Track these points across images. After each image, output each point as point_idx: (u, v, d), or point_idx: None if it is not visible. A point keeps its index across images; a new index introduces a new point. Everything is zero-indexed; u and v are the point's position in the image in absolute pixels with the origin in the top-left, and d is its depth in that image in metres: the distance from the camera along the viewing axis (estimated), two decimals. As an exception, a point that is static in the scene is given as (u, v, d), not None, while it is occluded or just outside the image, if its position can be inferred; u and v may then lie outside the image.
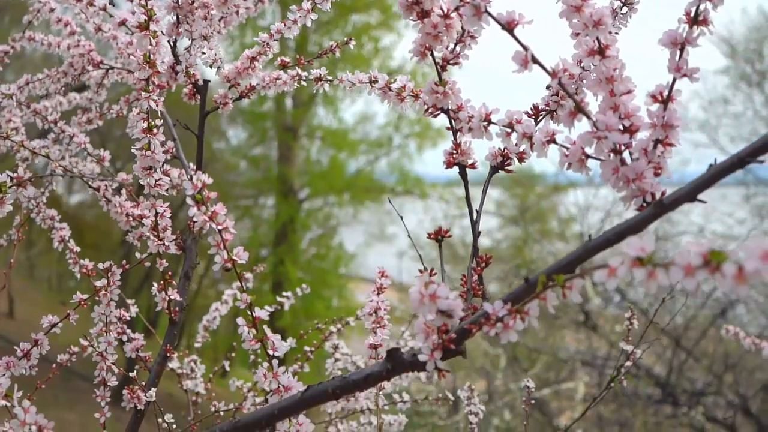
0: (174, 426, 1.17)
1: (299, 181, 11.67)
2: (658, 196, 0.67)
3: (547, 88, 0.85)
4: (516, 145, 0.84)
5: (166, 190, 1.07)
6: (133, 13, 1.07)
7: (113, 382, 1.14)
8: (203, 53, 1.21)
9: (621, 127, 0.70)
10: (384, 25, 11.09)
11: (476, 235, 0.84)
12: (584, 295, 7.07)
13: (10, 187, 0.87)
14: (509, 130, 0.82)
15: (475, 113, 0.84)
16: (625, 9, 0.91)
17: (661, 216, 0.63)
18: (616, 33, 0.89)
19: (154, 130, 0.99)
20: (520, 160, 0.86)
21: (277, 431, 0.77)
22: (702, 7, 0.68)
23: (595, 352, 7.29)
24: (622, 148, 0.69)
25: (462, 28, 0.80)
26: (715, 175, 0.62)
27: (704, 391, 6.36)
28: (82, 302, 1.12)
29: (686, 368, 6.64)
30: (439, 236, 0.87)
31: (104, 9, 1.38)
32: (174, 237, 1.12)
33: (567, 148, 0.74)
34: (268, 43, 1.23)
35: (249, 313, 0.80)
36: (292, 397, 0.75)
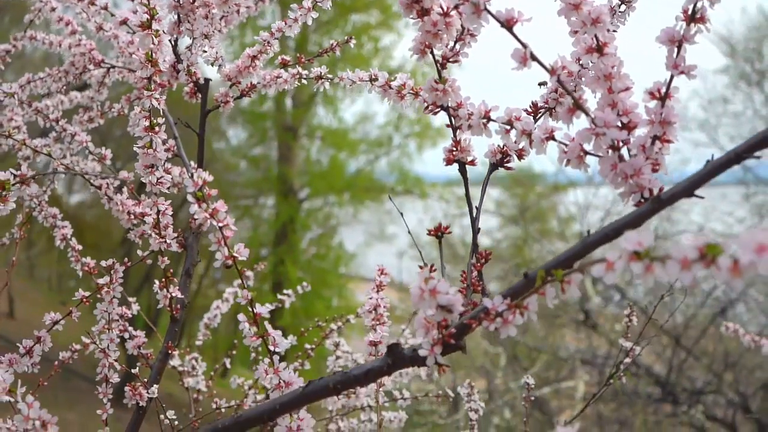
0: (176, 423, 1.18)
1: (299, 181, 11.67)
2: (656, 191, 0.68)
3: (540, 85, 0.86)
4: (515, 142, 0.84)
5: (168, 189, 1.07)
6: (135, 12, 1.08)
7: (115, 379, 1.14)
8: (204, 52, 1.21)
9: (619, 124, 0.70)
10: (384, 25, 11.09)
11: (476, 231, 0.85)
12: (584, 294, 7.07)
13: (13, 184, 0.88)
14: (508, 127, 0.83)
15: (475, 110, 0.84)
16: (623, 7, 0.91)
17: (659, 211, 0.63)
18: (615, 31, 0.90)
19: (156, 129, 1.00)
20: (519, 157, 0.87)
21: (278, 426, 0.78)
22: (699, 4, 0.69)
23: (595, 350, 7.30)
24: (621, 144, 0.70)
25: (462, 26, 0.81)
26: (712, 171, 0.62)
27: (704, 389, 6.36)
28: (84, 300, 1.12)
29: (686, 367, 6.65)
30: (439, 233, 0.88)
31: (105, 8, 1.39)
32: (175, 235, 1.13)
33: (566, 145, 0.75)
34: (268, 42, 1.24)
35: (250, 309, 0.81)
36: (294, 392, 0.76)
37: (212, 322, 1.83)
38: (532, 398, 1.44)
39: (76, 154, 1.55)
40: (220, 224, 0.75)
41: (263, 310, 0.80)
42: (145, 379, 1.16)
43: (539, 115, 0.87)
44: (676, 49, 0.69)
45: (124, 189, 1.27)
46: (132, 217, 1.21)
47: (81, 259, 1.27)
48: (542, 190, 11.17)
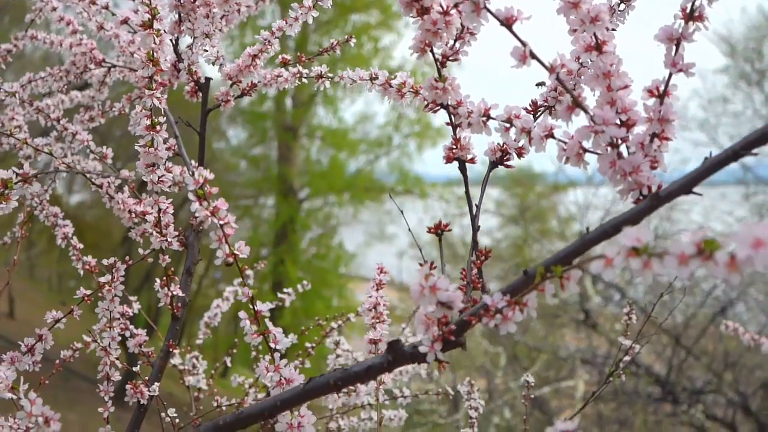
0: (177, 420, 1.18)
1: (299, 181, 11.68)
2: (654, 188, 0.69)
3: (538, 86, 0.86)
4: (515, 140, 0.85)
5: (169, 187, 1.08)
6: (136, 11, 1.08)
7: (116, 377, 1.15)
8: (205, 51, 1.22)
9: (618, 122, 0.71)
10: (384, 25, 11.10)
11: (476, 229, 0.86)
12: (584, 294, 7.08)
13: (16, 183, 0.89)
14: (508, 125, 0.83)
15: (475, 109, 0.85)
16: (622, 6, 0.92)
17: (658, 208, 0.64)
18: (614, 30, 0.90)
19: (157, 127, 1.01)
20: (519, 155, 0.87)
21: (279, 423, 0.78)
22: (698, 3, 0.69)
23: (595, 350, 7.31)
24: (619, 141, 0.70)
25: (461, 24, 0.81)
26: (710, 168, 0.63)
27: (704, 389, 6.37)
28: (86, 298, 1.13)
29: (686, 366, 6.65)
30: (438, 230, 0.88)
31: (106, 7, 1.39)
32: (176, 233, 1.13)
33: (565, 143, 0.75)
34: (269, 41, 1.24)
35: (251, 307, 0.81)
36: (295, 388, 0.76)
37: (212, 320, 1.83)
38: (532, 396, 1.45)
39: (77, 153, 1.55)
40: (221, 222, 0.75)
41: (264, 307, 0.81)
42: (146, 378, 1.16)
43: (539, 113, 0.87)
44: (674, 47, 0.70)
45: (125, 188, 1.28)
46: (133, 215, 1.22)
47: (82, 258, 1.28)
48: (542, 189, 11.18)
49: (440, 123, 11.78)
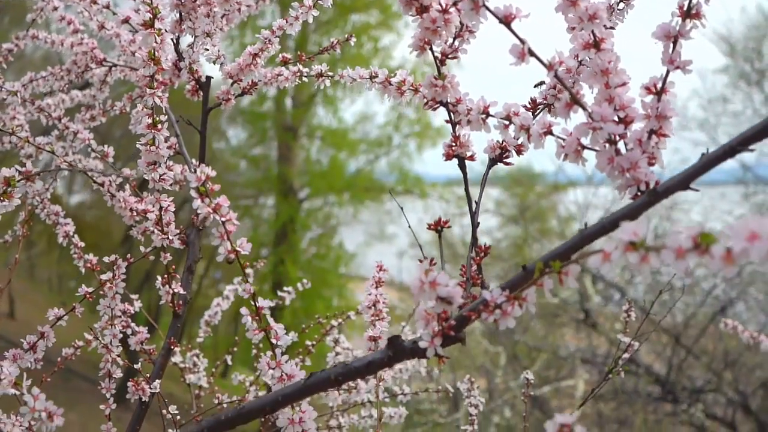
0: (178, 418, 1.19)
1: (299, 181, 11.68)
2: (652, 184, 0.69)
3: (536, 86, 0.87)
4: (514, 137, 0.85)
5: (170, 185, 1.08)
6: (136, 11, 1.09)
7: (118, 374, 1.15)
8: (206, 50, 1.23)
9: (616, 119, 0.72)
10: (383, 25, 11.11)
11: (475, 226, 0.86)
12: (584, 294, 7.09)
13: (18, 181, 0.89)
14: (507, 123, 0.84)
15: (474, 106, 0.86)
16: (621, 5, 0.92)
17: (655, 204, 0.64)
18: (612, 28, 0.91)
19: (159, 126, 1.01)
20: (518, 152, 0.88)
21: (280, 418, 0.79)
22: (695, 0, 0.70)
23: (595, 349, 7.32)
24: (617, 138, 0.71)
25: (460, 22, 0.82)
26: (707, 164, 0.63)
27: (704, 388, 6.38)
28: (88, 295, 1.13)
29: (686, 366, 6.66)
30: (438, 227, 0.89)
31: (107, 7, 1.40)
32: (177, 231, 1.14)
33: (563, 140, 0.76)
34: (269, 40, 1.25)
35: (252, 303, 0.82)
36: (296, 384, 0.77)
37: (213, 319, 1.84)
38: (531, 394, 1.45)
39: (78, 152, 1.56)
40: (223, 219, 0.76)
41: (266, 303, 0.81)
42: (148, 375, 1.17)
43: (538, 111, 0.88)
44: (671, 45, 0.70)
45: (127, 186, 1.28)
46: (134, 214, 1.22)
47: (83, 256, 1.28)
48: (542, 189, 11.20)
49: (440, 123, 11.80)
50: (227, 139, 11.76)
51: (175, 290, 1.17)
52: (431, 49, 0.84)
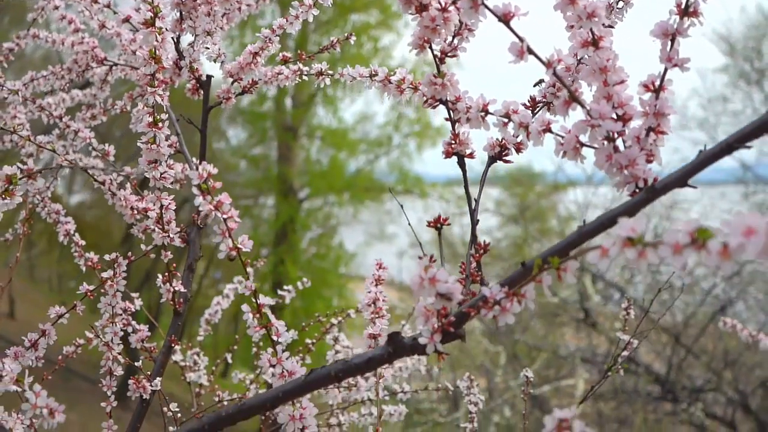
0: (179, 415, 1.19)
1: (299, 180, 11.68)
2: (650, 181, 0.70)
3: (536, 85, 0.87)
4: (513, 135, 0.86)
5: (171, 184, 1.09)
6: (137, 10, 1.10)
7: (119, 372, 1.16)
8: (207, 48, 1.23)
9: (614, 116, 0.72)
10: (383, 25, 11.11)
11: (474, 223, 0.87)
12: (584, 293, 7.09)
13: (20, 178, 0.90)
14: (506, 121, 0.84)
15: (473, 104, 0.86)
16: (620, 3, 0.93)
17: (653, 200, 0.65)
18: (611, 27, 0.91)
19: (160, 124, 1.02)
20: (518, 150, 0.88)
21: (281, 414, 0.79)
22: (692, -2, 0.70)
23: (595, 349, 7.32)
24: (615, 135, 0.71)
25: (459, 21, 0.82)
26: (704, 161, 0.64)
27: (704, 387, 6.38)
28: (89, 293, 1.14)
29: (686, 365, 6.67)
30: (438, 224, 0.89)
31: (108, 6, 1.40)
32: (178, 229, 1.14)
33: (562, 137, 0.76)
34: (270, 38, 1.25)
35: (254, 300, 0.82)
36: (296, 380, 0.77)
37: (213, 317, 1.84)
38: (531, 391, 1.46)
39: (78, 151, 1.57)
40: (225, 216, 0.76)
41: (267, 300, 0.82)
42: (149, 372, 1.17)
43: (537, 109, 0.88)
44: (669, 43, 0.71)
45: (127, 185, 1.29)
46: (135, 212, 1.22)
47: (84, 255, 1.29)
48: (542, 189, 11.21)
49: (440, 122, 11.81)
50: (227, 139, 11.77)
51: (176, 288, 1.18)
52: (431, 47, 0.85)
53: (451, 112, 0.88)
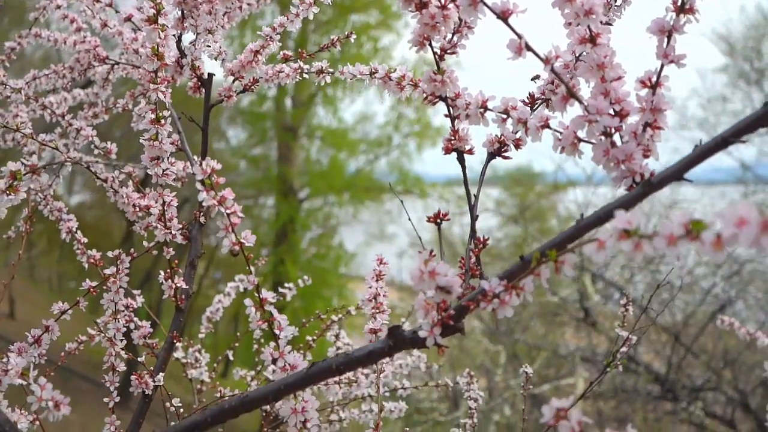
0: (181, 411, 1.20)
1: (299, 181, 11.70)
2: (646, 176, 0.71)
3: (533, 79, 0.88)
4: (512, 131, 0.87)
5: (173, 181, 1.10)
6: (139, 9, 1.11)
7: (121, 367, 1.17)
8: (208, 47, 1.24)
9: (612, 112, 0.73)
10: (383, 25, 11.13)
11: (474, 218, 0.88)
12: (584, 293, 7.10)
13: (24, 174, 0.91)
14: (505, 117, 0.85)
15: (472, 100, 0.87)
16: (618, 1, 0.94)
17: (649, 195, 0.66)
18: (609, 24, 0.92)
19: (162, 121, 1.03)
20: (517, 146, 0.89)
21: (282, 407, 0.80)
22: (689, -4, 0.71)
23: (595, 348, 7.33)
24: (613, 131, 0.72)
25: (459, 18, 0.83)
26: (700, 155, 0.65)
27: (703, 387, 6.39)
28: (92, 289, 1.15)
29: (685, 364, 6.67)
30: (438, 220, 0.90)
31: (110, 5, 1.41)
32: (180, 226, 1.15)
33: (560, 133, 0.77)
34: (270, 37, 1.26)
35: (256, 294, 0.83)
36: (298, 373, 0.78)
37: (215, 315, 1.85)
38: (531, 387, 1.46)
39: (80, 150, 1.57)
40: (228, 211, 0.77)
41: (269, 295, 0.83)
42: (151, 368, 1.18)
43: (535, 106, 0.89)
44: (666, 39, 0.72)
45: (130, 182, 1.30)
46: (137, 209, 1.23)
47: (87, 252, 1.30)
48: (542, 189, 11.22)
49: (440, 122, 11.82)
50: (227, 139, 11.78)
51: (178, 285, 1.19)
52: (430, 44, 0.86)
53: (450, 108, 0.89)
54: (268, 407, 1.58)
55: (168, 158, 1.09)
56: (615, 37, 0.79)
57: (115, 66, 1.57)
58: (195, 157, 1.34)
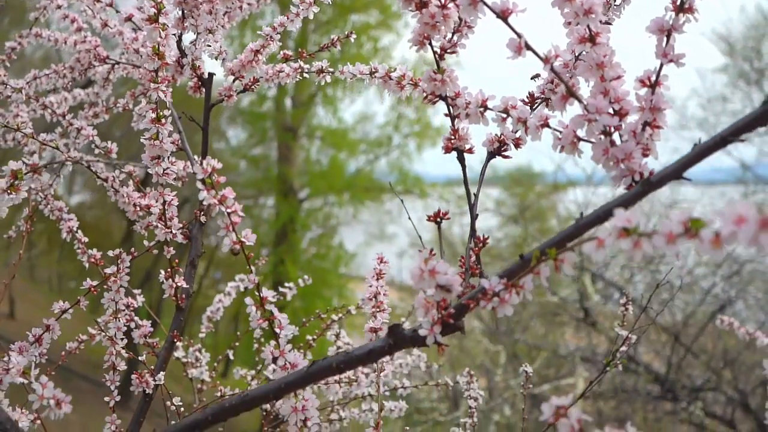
0: (182, 410, 1.20)
1: (299, 181, 11.70)
2: (646, 174, 0.71)
3: (533, 78, 0.88)
4: (512, 130, 0.87)
5: (174, 180, 1.10)
6: (139, 8, 1.11)
7: (122, 366, 1.17)
8: (209, 46, 1.24)
9: (611, 111, 0.73)
10: (383, 25, 11.13)
11: (474, 217, 0.88)
12: (583, 293, 7.10)
13: (26, 173, 0.91)
14: (505, 116, 0.85)
15: (472, 99, 0.87)
16: (618, 1, 0.94)
17: (648, 193, 0.66)
18: (609, 23, 0.92)
19: (163, 120, 1.03)
20: (516, 145, 0.90)
21: (283, 406, 0.80)
22: (687, -5, 0.71)
23: (595, 348, 7.33)
24: (612, 130, 0.73)
25: (459, 17, 0.83)
26: (699, 154, 0.65)
27: (703, 387, 6.39)
28: (93, 289, 1.15)
29: (685, 364, 6.68)
30: (438, 218, 0.91)
31: (110, 5, 1.41)
32: (180, 225, 1.16)
33: (560, 132, 0.78)
34: (271, 36, 1.26)
35: (257, 293, 0.84)
36: (299, 371, 0.78)
37: (215, 315, 1.85)
38: (531, 386, 1.47)
39: (81, 150, 1.58)
40: (229, 210, 0.77)
41: (269, 294, 0.83)
42: (151, 367, 1.18)
43: (535, 105, 0.90)
44: (665, 38, 0.72)
45: (130, 182, 1.30)
46: (138, 209, 1.24)
47: (87, 251, 1.30)
48: (542, 189, 11.22)
49: (440, 122, 11.82)
50: (227, 139, 11.78)
51: (178, 284, 1.19)
52: (430, 44, 0.86)
53: (450, 107, 0.90)
54: (268, 406, 1.58)
55: (168, 157, 1.09)
56: (614, 36, 0.79)
57: (116, 66, 1.57)
58: (195, 157, 1.34)
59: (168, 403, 1.20)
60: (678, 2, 0.71)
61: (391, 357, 1.54)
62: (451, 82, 0.86)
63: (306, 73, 1.30)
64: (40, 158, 1.47)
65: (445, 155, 0.93)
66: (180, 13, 1.19)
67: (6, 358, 0.87)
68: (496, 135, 0.90)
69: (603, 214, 0.68)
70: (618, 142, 0.73)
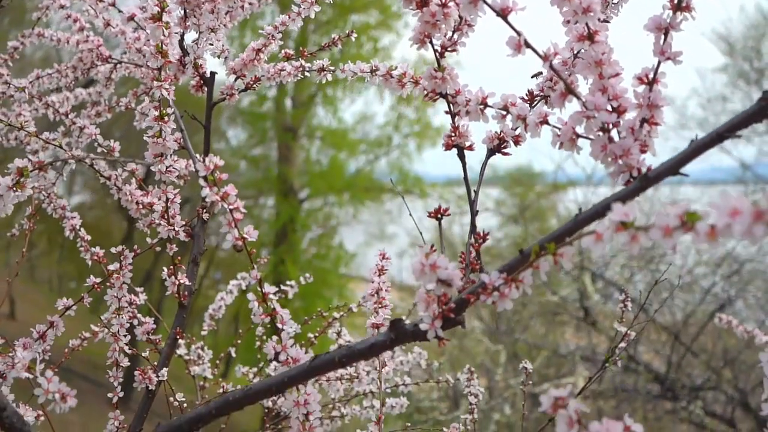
0: (185, 405, 1.21)
1: (299, 181, 11.70)
2: (643, 170, 0.72)
3: (534, 77, 0.89)
4: (511, 128, 0.88)
5: (177, 177, 1.11)
6: (142, 8, 1.12)
7: (125, 363, 1.18)
8: (211, 45, 1.25)
9: (609, 108, 0.74)
10: (383, 25, 11.14)
11: (474, 213, 0.89)
12: (584, 292, 7.12)
13: (31, 171, 0.92)
14: (504, 113, 0.86)
15: (473, 97, 0.88)
16: (616, -1, 0.95)
17: (646, 189, 0.67)
18: (607, 21, 0.93)
19: (166, 118, 1.04)
20: (516, 143, 0.91)
21: (285, 400, 0.81)
22: (685, -7, 0.72)
23: (595, 347, 7.34)
24: (610, 126, 0.74)
25: (459, 16, 0.84)
26: (696, 150, 0.66)
27: (703, 386, 6.40)
28: (96, 286, 1.16)
29: (685, 364, 6.68)
30: (438, 215, 0.91)
31: (112, 4, 1.42)
32: (183, 223, 1.17)
33: (559, 129, 0.79)
34: (272, 35, 1.27)
35: (259, 289, 0.84)
36: (301, 366, 0.79)
37: (217, 313, 1.86)
38: (530, 384, 1.48)
39: (83, 149, 1.59)
40: (231, 207, 0.78)
41: (272, 289, 0.84)
42: (155, 363, 1.19)
43: (535, 102, 0.91)
44: (663, 36, 0.73)
45: (133, 180, 1.31)
46: (140, 207, 1.25)
47: (90, 249, 1.31)
48: (542, 189, 11.24)
49: (440, 122, 11.82)
50: (227, 139, 11.79)
51: (181, 281, 1.20)
52: (431, 42, 0.87)
53: (450, 105, 0.91)
54: (270, 404, 1.59)
55: (171, 155, 1.10)
56: (612, 34, 0.80)
57: (118, 65, 1.58)
58: (197, 155, 1.35)
59: (171, 399, 1.21)
60: (676, 1, 0.72)
61: (392, 353, 1.55)
62: (451, 79, 0.87)
63: (307, 71, 1.31)
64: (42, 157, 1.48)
65: (445, 155, 0.94)
66: (182, 12, 1.20)
67: (11, 354, 0.87)
68: (495, 132, 0.91)
69: (601, 210, 0.69)
70: (616, 138, 0.74)
